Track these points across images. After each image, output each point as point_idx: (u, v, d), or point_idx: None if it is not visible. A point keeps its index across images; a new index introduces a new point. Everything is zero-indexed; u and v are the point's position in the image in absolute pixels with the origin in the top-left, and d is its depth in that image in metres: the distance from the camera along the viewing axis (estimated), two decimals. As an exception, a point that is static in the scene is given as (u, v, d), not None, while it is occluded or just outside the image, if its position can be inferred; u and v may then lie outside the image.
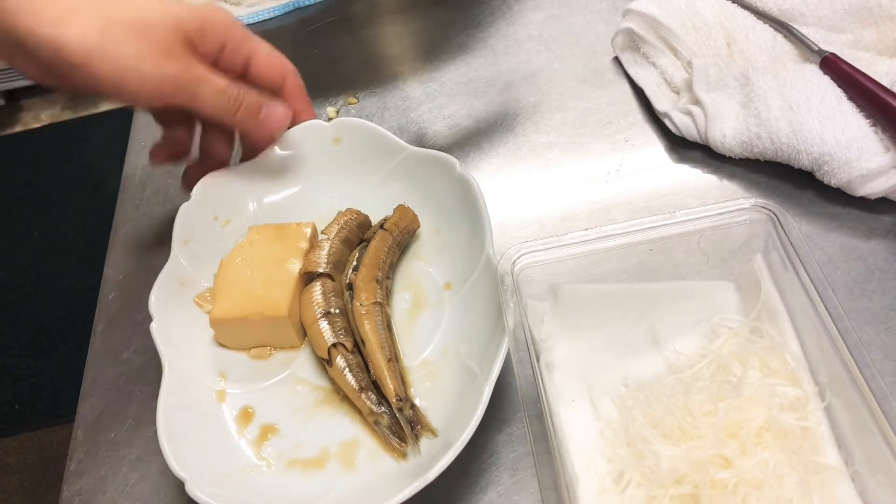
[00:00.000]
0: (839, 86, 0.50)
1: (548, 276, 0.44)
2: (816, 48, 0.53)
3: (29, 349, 1.42)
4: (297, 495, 0.40)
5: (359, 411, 0.43)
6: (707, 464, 0.36)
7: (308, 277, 0.47)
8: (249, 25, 0.72)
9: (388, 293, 0.48)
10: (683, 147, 0.55)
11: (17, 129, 1.97)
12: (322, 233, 0.49)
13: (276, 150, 0.53)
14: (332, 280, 0.47)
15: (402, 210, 0.50)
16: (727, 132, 0.51)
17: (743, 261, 0.44)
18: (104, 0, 0.43)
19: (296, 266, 0.47)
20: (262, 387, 0.45)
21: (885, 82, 0.48)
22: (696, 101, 0.54)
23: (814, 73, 0.51)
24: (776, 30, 0.56)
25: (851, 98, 0.49)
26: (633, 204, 0.52)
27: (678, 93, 0.56)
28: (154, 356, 0.43)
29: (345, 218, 0.50)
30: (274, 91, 0.51)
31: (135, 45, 0.43)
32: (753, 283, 0.43)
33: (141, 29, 0.43)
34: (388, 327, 0.46)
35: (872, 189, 0.47)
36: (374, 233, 0.48)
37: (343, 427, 0.43)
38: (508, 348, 0.39)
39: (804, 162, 0.49)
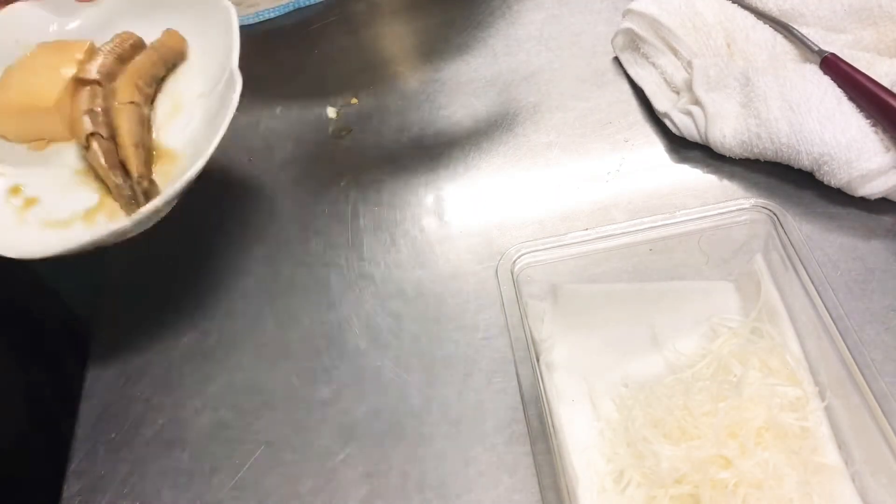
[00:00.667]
0: (839, 86, 0.50)
1: (548, 276, 0.44)
2: (816, 48, 0.53)
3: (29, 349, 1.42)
4: (45, 242, 0.48)
5: (107, 186, 0.51)
6: (707, 464, 0.36)
7: (81, 84, 0.54)
8: (250, 26, 0.72)
9: (149, 100, 0.56)
10: (683, 147, 0.55)
11: (17, 129, 1.97)
12: (99, 49, 0.56)
13: None
14: (101, 87, 0.54)
15: (168, 33, 0.58)
16: (727, 132, 0.51)
17: (743, 261, 0.44)
18: None
19: (70, 72, 0.54)
20: (34, 170, 0.53)
21: (885, 82, 0.48)
22: (696, 101, 0.54)
23: (814, 73, 0.51)
24: (776, 30, 0.56)
25: (851, 98, 0.49)
26: (633, 204, 0.52)
27: (678, 93, 0.56)
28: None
29: (120, 38, 0.57)
30: None
31: None
32: (753, 283, 0.43)
33: None
34: (142, 123, 0.53)
35: (872, 189, 0.47)
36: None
37: (92, 199, 0.52)
38: (222, 132, 0.48)
39: (804, 162, 0.49)
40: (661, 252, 0.44)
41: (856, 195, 0.48)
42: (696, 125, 0.53)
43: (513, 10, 0.68)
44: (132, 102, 0.54)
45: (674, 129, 0.54)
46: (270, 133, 0.63)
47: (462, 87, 0.63)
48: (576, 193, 0.54)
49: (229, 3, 0.56)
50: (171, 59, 0.58)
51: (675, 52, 0.57)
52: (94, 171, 0.52)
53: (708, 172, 0.53)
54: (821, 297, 0.39)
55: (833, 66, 0.51)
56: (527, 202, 0.54)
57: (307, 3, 0.73)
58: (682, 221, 0.43)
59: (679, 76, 0.56)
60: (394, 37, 0.71)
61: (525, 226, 0.52)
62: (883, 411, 0.35)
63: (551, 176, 0.55)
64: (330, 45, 0.70)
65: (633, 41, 0.59)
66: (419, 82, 0.64)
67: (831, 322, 0.38)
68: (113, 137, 0.52)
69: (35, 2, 0.59)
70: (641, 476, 0.37)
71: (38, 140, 0.55)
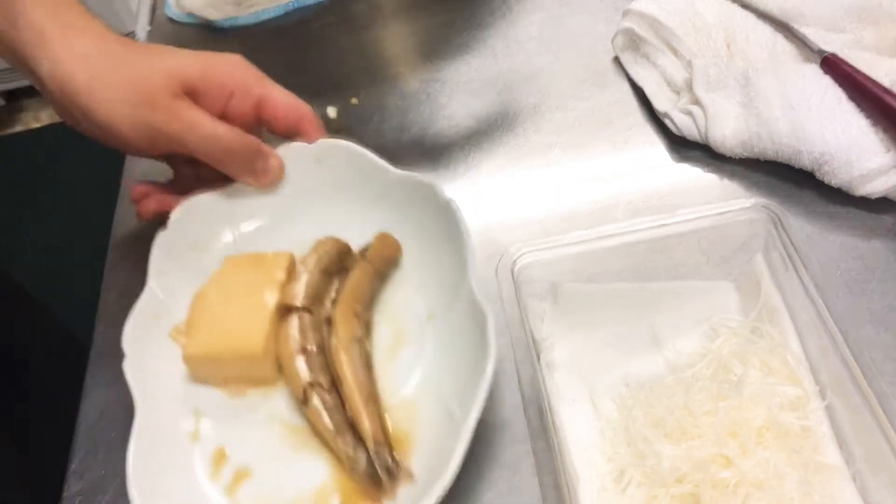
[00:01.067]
0: (840, 86, 0.50)
1: (548, 275, 0.44)
2: (817, 48, 0.53)
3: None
4: None
5: (335, 454, 0.41)
6: (708, 463, 0.36)
7: (285, 311, 0.45)
8: (250, 26, 0.72)
9: (367, 327, 0.46)
10: (683, 147, 0.55)
11: (17, 129, 1.97)
12: (300, 263, 0.47)
13: None
14: (310, 313, 0.45)
15: (383, 238, 0.48)
16: (727, 132, 0.51)
17: (743, 260, 0.44)
18: (113, 51, 0.45)
19: (272, 298, 0.45)
20: (238, 426, 0.44)
21: (885, 82, 0.48)
22: (697, 101, 0.54)
23: (814, 73, 0.51)
24: (776, 30, 0.56)
25: (852, 98, 0.49)
26: (633, 204, 0.52)
27: (678, 93, 0.56)
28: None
29: (324, 247, 0.47)
30: (289, 134, 0.50)
31: (124, 93, 0.44)
32: (753, 282, 0.43)
33: (134, 78, 0.44)
34: (367, 365, 0.44)
35: (873, 189, 0.47)
36: (355, 262, 0.47)
37: (318, 472, 0.41)
38: (489, 389, 0.38)
39: (805, 162, 0.49)
40: (661, 252, 0.44)
41: (856, 195, 0.48)
42: (697, 125, 0.53)
43: (513, 10, 0.68)
44: (356, 339, 0.44)
45: (674, 129, 0.54)
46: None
47: (462, 87, 0.63)
48: (576, 193, 0.54)
49: (449, 197, 0.45)
50: (387, 270, 0.48)
51: (675, 52, 0.57)
52: (314, 430, 0.42)
53: (708, 172, 0.53)
54: (821, 297, 0.39)
55: (833, 66, 0.51)
56: (527, 202, 0.54)
57: (307, 3, 0.73)
58: (682, 221, 0.43)
59: (679, 76, 0.56)
60: (394, 37, 0.71)
61: (525, 226, 0.52)
62: (883, 411, 0.35)
63: (551, 176, 0.55)
64: (330, 45, 0.70)
65: (634, 41, 0.59)
66: (419, 82, 0.64)
67: (831, 322, 0.38)
68: (335, 385, 0.42)
69: (212, 193, 0.49)
70: (642, 475, 0.37)
71: (238, 383, 0.45)
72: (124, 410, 0.48)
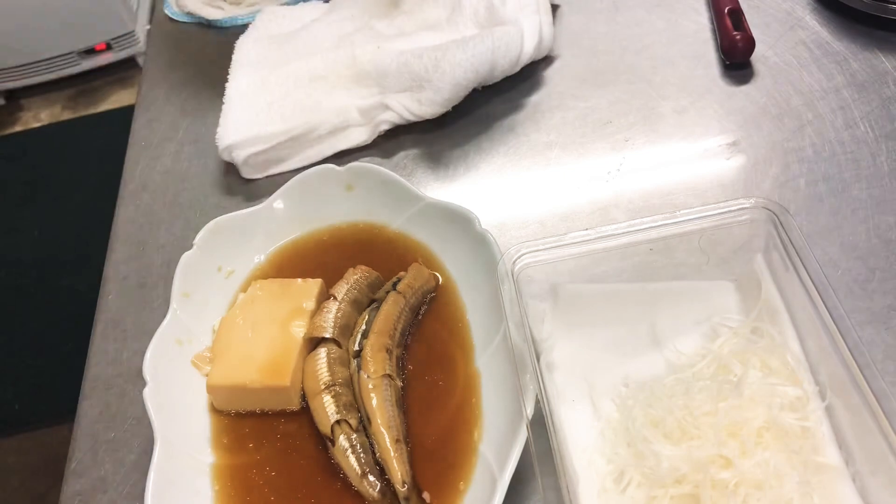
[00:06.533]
0: None
1: (548, 275, 0.44)
2: None
3: (29, 349, 1.42)
4: None
5: (360, 496, 0.40)
6: (707, 464, 0.36)
7: (313, 342, 0.44)
8: (249, 24, 0.72)
9: (398, 363, 0.44)
10: (684, 146, 0.55)
11: (17, 128, 1.97)
12: (330, 292, 0.46)
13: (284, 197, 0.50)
14: (339, 346, 0.44)
15: (416, 270, 0.47)
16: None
17: (743, 260, 0.44)
18: None
19: (300, 329, 0.44)
20: (260, 460, 0.42)
21: None
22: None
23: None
24: None
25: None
26: (634, 204, 0.52)
27: None
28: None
29: (355, 276, 0.46)
30: None
31: None
32: (754, 282, 0.43)
33: None
34: (397, 403, 0.42)
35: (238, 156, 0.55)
36: (386, 293, 0.46)
37: None
38: (527, 438, 0.37)
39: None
40: (662, 252, 0.44)
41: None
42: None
43: (513, 9, 0.68)
44: (386, 376, 0.42)
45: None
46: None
47: (462, 87, 0.63)
48: (576, 193, 0.54)
49: (485, 229, 0.45)
50: (420, 303, 0.46)
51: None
52: (339, 469, 0.41)
53: (708, 172, 0.53)
54: (821, 297, 0.39)
55: None
56: (527, 202, 0.54)
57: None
58: (682, 221, 0.43)
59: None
60: (394, 36, 0.71)
61: (525, 226, 0.52)
62: (883, 411, 0.35)
63: (551, 176, 0.55)
64: (330, 44, 0.70)
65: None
66: (419, 82, 0.64)
67: (831, 322, 0.38)
68: (363, 423, 0.41)
69: (240, 213, 0.49)
70: (642, 476, 0.37)
71: (260, 414, 0.44)
72: (124, 411, 0.48)
